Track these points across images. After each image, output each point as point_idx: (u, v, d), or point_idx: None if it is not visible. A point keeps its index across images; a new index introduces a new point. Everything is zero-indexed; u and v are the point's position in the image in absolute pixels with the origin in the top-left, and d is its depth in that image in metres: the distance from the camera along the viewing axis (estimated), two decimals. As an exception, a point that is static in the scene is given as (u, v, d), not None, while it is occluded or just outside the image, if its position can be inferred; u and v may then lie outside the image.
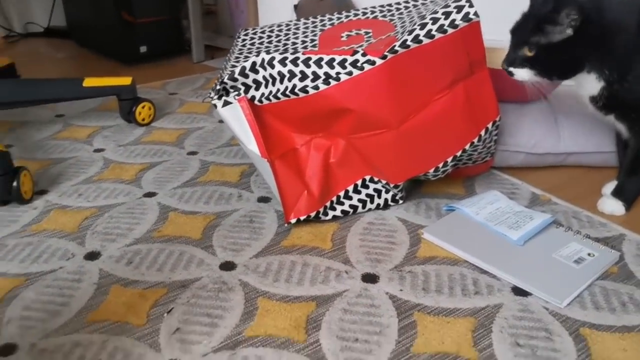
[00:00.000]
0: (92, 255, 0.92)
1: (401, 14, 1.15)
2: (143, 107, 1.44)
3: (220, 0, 2.22)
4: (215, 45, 2.18)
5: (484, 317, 0.78)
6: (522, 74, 0.93)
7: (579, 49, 0.89)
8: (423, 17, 0.92)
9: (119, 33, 1.96)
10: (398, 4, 1.22)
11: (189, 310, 0.80)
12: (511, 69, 0.94)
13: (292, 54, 0.92)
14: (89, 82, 1.38)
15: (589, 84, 0.94)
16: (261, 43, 1.13)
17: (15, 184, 1.05)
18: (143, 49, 1.97)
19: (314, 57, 0.90)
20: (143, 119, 1.45)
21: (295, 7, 1.74)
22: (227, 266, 0.89)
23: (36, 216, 1.04)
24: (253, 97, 0.95)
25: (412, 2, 1.20)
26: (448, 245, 0.93)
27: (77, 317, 0.79)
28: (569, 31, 0.87)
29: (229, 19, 2.19)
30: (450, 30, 0.89)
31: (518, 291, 0.83)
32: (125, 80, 1.43)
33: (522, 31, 0.92)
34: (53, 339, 0.75)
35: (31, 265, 0.90)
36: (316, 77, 0.90)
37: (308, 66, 0.90)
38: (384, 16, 1.17)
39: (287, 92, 0.91)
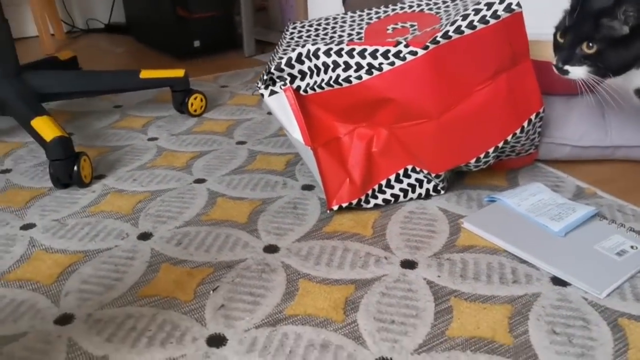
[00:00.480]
0: (145, 236, 0.98)
1: (447, 6, 1.16)
2: (195, 99, 1.49)
3: (271, -4, 2.27)
4: (266, 40, 2.23)
5: (521, 305, 0.79)
6: (579, 72, 0.91)
7: (637, 45, 0.88)
8: (466, 9, 0.93)
9: (174, 28, 2.04)
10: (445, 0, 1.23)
11: (233, 289, 0.84)
12: (567, 67, 0.92)
13: (336, 45, 0.94)
14: (145, 74, 1.45)
15: (637, 77, 0.93)
16: (308, 36, 1.16)
17: (75, 168, 1.12)
18: (196, 43, 2.04)
19: (358, 48, 0.93)
20: (195, 110, 1.50)
21: (344, 1, 1.77)
22: (271, 249, 0.93)
23: (94, 199, 1.10)
24: (298, 87, 0.98)
25: (460, -5, 1.21)
26: (488, 234, 0.93)
27: (130, 291, 0.84)
28: (626, 28, 0.87)
29: (279, 15, 2.24)
30: (492, 21, 0.89)
31: (557, 281, 0.83)
32: (179, 72, 1.49)
33: (579, 27, 0.90)
34: (108, 311, 0.80)
35: (89, 243, 0.96)
36: (359, 67, 0.92)
37: (352, 57, 0.93)
38: (430, 9, 1.18)
39: (331, 82, 0.94)
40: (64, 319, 0.79)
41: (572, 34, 0.91)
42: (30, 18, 2.27)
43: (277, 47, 1.15)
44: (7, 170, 1.24)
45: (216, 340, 0.74)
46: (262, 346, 0.73)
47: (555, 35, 0.94)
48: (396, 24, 1.14)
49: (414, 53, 0.89)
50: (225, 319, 0.78)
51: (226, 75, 1.87)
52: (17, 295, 0.84)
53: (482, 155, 0.98)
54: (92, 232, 0.99)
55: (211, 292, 0.83)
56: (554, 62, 0.93)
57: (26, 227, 1.02)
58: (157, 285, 0.85)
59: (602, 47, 0.88)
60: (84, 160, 1.14)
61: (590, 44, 0.89)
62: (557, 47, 0.94)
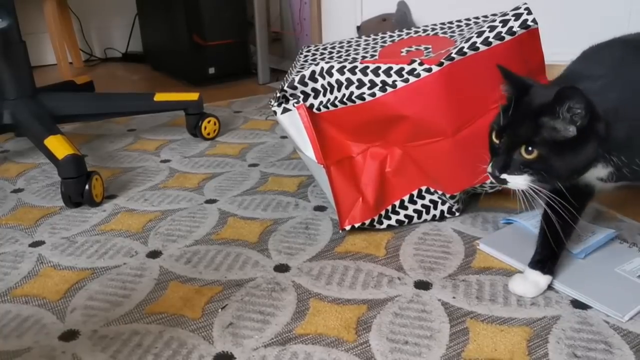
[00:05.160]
0: (154, 254, 0.96)
1: (462, 30, 1.16)
2: (209, 122, 1.50)
3: (286, 25, 2.30)
4: (280, 68, 2.24)
5: (540, 328, 0.76)
6: (519, 182, 0.73)
7: (588, 147, 0.71)
8: (481, 27, 0.92)
9: (190, 55, 2.06)
10: (459, 21, 1.23)
11: (242, 307, 0.82)
12: (504, 175, 0.73)
13: (350, 63, 0.94)
14: (159, 97, 1.46)
15: (597, 172, 0.77)
16: (322, 57, 1.16)
17: (87, 187, 1.11)
18: (211, 70, 2.06)
19: (372, 66, 0.92)
20: (208, 133, 1.50)
21: (358, 28, 1.78)
22: (281, 268, 0.91)
23: (105, 217, 1.10)
24: (311, 105, 0.98)
25: (474, 19, 1.21)
26: (504, 256, 0.91)
27: (137, 308, 0.82)
28: (572, 130, 0.70)
29: (294, 44, 2.26)
30: (507, 37, 0.89)
31: (577, 304, 0.80)
32: (193, 96, 1.50)
33: (516, 128, 0.72)
34: (114, 327, 0.78)
35: (97, 261, 0.95)
36: (373, 84, 0.92)
37: (365, 74, 0.92)
38: (445, 33, 1.18)
39: (344, 100, 0.94)
40: (69, 335, 0.77)
41: (508, 135, 0.73)
42: (49, 46, 2.31)
43: (290, 69, 1.15)
44: (19, 190, 1.24)
45: (224, 359, 0.72)
46: (270, 365, 0.71)
47: (490, 134, 0.76)
48: (410, 47, 1.13)
49: (428, 70, 0.88)
50: (234, 337, 0.76)
51: (240, 101, 1.88)
52: (23, 311, 0.82)
53: (497, 176, 0.96)
54: (101, 249, 0.98)
55: (220, 310, 0.81)
56: (489, 170, 0.75)
57: (35, 244, 1.01)
58: (165, 302, 0.83)
59: (544, 152, 0.70)
60: (95, 180, 1.13)
61: (530, 148, 0.70)
62: (492, 150, 0.76)
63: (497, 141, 0.75)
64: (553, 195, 0.76)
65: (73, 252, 0.97)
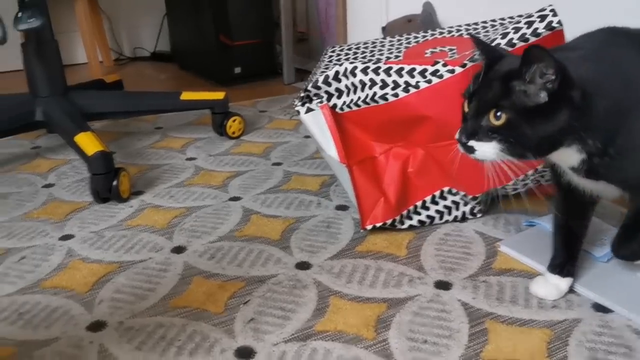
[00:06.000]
0: (179, 249, 0.98)
1: (487, 31, 1.16)
2: (234, 121, 1.52)
3: (312, 26, 2.31)
4: (305, 68, 2.26)
5: (561, 330, 0.76)
6: (487, 150, 0.68)
7: (560, 116, 0.66)
8: (506, 28, 0.92)
9: (216, 55, 2.09)
10: (485, 22, 1.23)
11: (264, 303, 0.83)
12: (472, 142, 0.69)
13: (373, 63, 0.95)
14: (186, 95, 1.49)
15: (569, 156, 0.71)
16: (347, 57, 1.17)
17: (115, 182, 1.14)
18: (237, 70, 2.08)
19: (395, 67, 0.93)
20: (233, 132, 1.52)
21: (383, 29, 1.79)
22: (303, 266, 0.92)
23: (131, 213, 1.12)
24: (335, 105, 0.99)
25: (499, 21, 1.20)
26: (526, 258, 0.91)
27: (162, 302, 0.84)
28: (543, 95, 0.65)
29: (319, 44, 2.27)
30: (532, 39, 0.88)
31: (599, 307, 0.80)
32: (219, 95, 1.52)
33: (484, 93, 0.69)
34: (139, 319, 0.80)
35: (124, 255, 0.97)
36: (396, 85, 0.92)
37: (389, 75, 0.93)
38: (469, 34, 1.18)
39: (368, 100, 0.94)
40: (96, 326, 0.79)
41: (476, 101, 0.70)
42: (81, 45, 2.36)
43: (314, 69, 1.16)
44: (50, 185, 1.27)
45: (245, 353, 0.73)
46: (290, 360, 0.72)
47: (462, 104, 0.73)
48: (435, 48, 1.14)
49: (451, 71, 0.89)
50: (255, 332, 0.77)
51: (265, 100, 1.90)
52: (52, 302, 0.85)
53: (520, 178, 0.96)
54: (128, 244, 1.00)
55: (242, 305, 0.83)
56: (457, 136, 0.71)
57: (65, 237, 1.04)
58: (189, 296, 0.85)
59: (514, 118, 0.66)
60: (123, 176, 1.16)
61: (499, 114, 0.66)
62: (463, 119, 0.72)
63: (467, 109, 0.71)
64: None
65: (101, 246, 1.00)
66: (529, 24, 0.90)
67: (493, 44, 0.89)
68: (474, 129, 0.69)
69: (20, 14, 1.24)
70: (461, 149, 0.71)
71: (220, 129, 1.52)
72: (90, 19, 2.32)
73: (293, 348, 0.74)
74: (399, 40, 1.25)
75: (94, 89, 1.63)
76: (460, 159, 0.95)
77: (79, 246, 1.00)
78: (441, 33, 1.23)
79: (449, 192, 1.01)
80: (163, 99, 1.53)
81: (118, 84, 1.74)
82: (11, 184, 1.28)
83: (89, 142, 1.17)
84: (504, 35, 0.90)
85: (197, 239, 1.01)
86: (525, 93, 0.66)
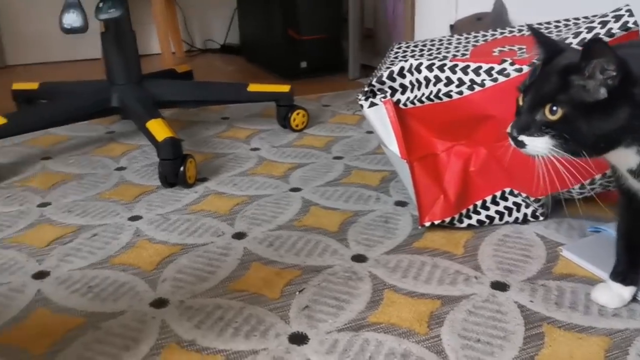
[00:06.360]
0: (239, 235, 1.01)
1: (559, 31, 1.13)
2: (298, 114, 1.54)
3: (379, 23, 2.31)
4: (371, 65, 2.26)
5: (621, 340, 0.74)
6: (538, 145, 0.66)
7: (620, 113, 0.63)
8: (579, 27, 0.90)
9: (283, 49, 2.12)
10: (557, 22, 1.20)
11: (319, 292, 0.85)
12: (522, 137, 0.67)
13: (439, 60, 0.95)
14: (253, 87, 1.52)
15: (627, 157, 0.69)
16: (412, 54, 1.17)
17: (182, 168, 1.18)
18: (303, 64, 2.11)
19: (461, 64, 0.92)
20: (297, 125, 1.55)
21: (452, 27, 1.77)
22: (359, 258, 0.93)
23: (196, 198, 1.16)
24: (398, 101, 0.99)
25: (573, 20, 1.17)
26: (589, 265, 0.88)
27: (221, 284, 0.87)
28: (603, 91, 0.63)
29: (387, 40, 2.27)
30: (605, 39, 0.86)
31: (664, 319, 0.77)
32: (284, 88, 1.55)
33: (541, 86, 0.67)
34: (199, 299, 0.84)
35: (187, 238, 1.01)
36: (461, 83, 0.92)
37: (454, 72, 0.92)
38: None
39: (432, 97, 0.94)
40: (159, 303, 0.83)
41: (532, 94, 0.68)
42: (155, 37, 2.45)
43: (380, 65, 1.17)
44: (122, 168, 1.34)
45: (298, 339, 0.75)
46: (342, 349, 0.73)
47: (517, 98, 0.71)
48: (503, 47, 1.12)
49: (519, 70, 0.87)
50: (309, 320, 0.79)
51: (329, 95, 1.92)
52: (120, 278, 0.90)
53: (587, 182, 0.94)
54: (192, 227, 1.04)
55: (297, 292, 0.85)
56: (508, 130, 0.70)
57: (133, 218, 1.09)
58: (247, 281, 0.88)
59: (570, 113, 0.64)
60: (189, 162, 1.21)
61: (554, 108, 0.64)
62: (517, 112, 0.71)
63: (521, 103, 0.69)
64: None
65: (166, 228, 1.04)
66: (603, 23, 0.87)
67: (565, 43, 0.87)
68: (527, 123, 0.67)
69: (101, 4, 1.31)
70: (512, 143, 0.70)
71: (284, 122, 1.55)
72: (166, 11, 2.40)
73: (345, 337, 0.75)
74: (466, 38, 1.23)
75: (165, 78, 1.69)
76: (524, 160, 0.94)
77: (146, 227, 1.05)
78: (511, 32, 1.21)
79: (511, 193, 1.00)
80: (230, 90, 1.57)
81: (188, 74, 1.80)
82: (87, 165, 1.36)
83: (159, 129, 1.22)
84: (577, 34, 0.87)
85: (257, 226, 1.04)
86: (584, 88, 0.64)
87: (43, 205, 1.15)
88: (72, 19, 1.27)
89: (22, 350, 0.74)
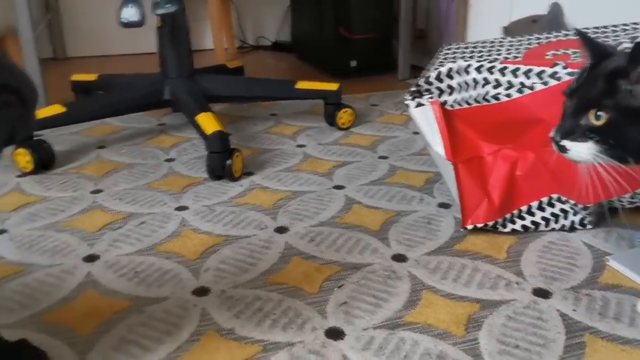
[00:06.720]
0: (281, 230, 1.03)
1: (617, 35, 1.10)
2: (345, 112, 1.55)
3: (431, 23, 2.29)
4: (421, 66, 2.23)
5: (667, 355, 0.71)
6: (582, 151, 0.66)
7: None
8: (637, 30, 0.87)
9: (334, 47, 2.13)
10: (615, 26, 1.16)
11: (357, 289, 0.85)
12: (565, 142, 0.67)
13: (488, 62, 0.93)
14: (301, 84, 1.54)
15: None
16: (462, 56, 1.16)
17: (228, 162, 1.21)
18: (353, 63, 2.11)
19: (511, 67, 0.91)
20: (343, 123, 1.56)
21: (505, 29, 1.74)
22: (399, 258, 0.93)
23: (241, 191, 1.19)
24: (445, 102, 0.98)
25: (632, 25, 1.13)
26: (636, 276, 0.86)
27: (261, 276, 0.89)
28: None
29: (438, 42, 2.25)
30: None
31: None
32: (332, 86, 1.56)
33: (586, 91, 0.66)
34: (239, 290, 0.85)
35: (231, 229, 1.03)
36: (510, 85, 0.90)
37: (503, 74, 0.91)
38: (598, 38, 1.13)
39: (479, 99, 0.93)
40: (201, 291, 0.85)
41: (577, 98, 0.67)
42: (209, 33, 2.51)
43: (428, 65, 1.16)
44: (171, 160, 1.37)
45: (334, 333, 0.76)
46: (378, 346, 0.74)
47: (564, 102, 0.71)
48: (557, 50, 1.10)
49: (571, 74, 0.85)
50: (346, 315, 0.79)
51: (378, 95, 1.92)
52: (164, 265, 0.92)
53: (638, 191, 0.91)
54: (236, 220, 1.07)
55: (336, 288, 0.86)
56: (551, 134, 0.69)
57: (180, 208, 1.12)
58: (287, 274, 0.89)
59: (615, 119, 0.63)
60: (236, 156, 1.23)
61: (599, 113, 0.63)
62: (562, 116, 0.71)
63: (566, 107, 0.68)
64: None
65: (211, 219, 1.07)
66: (663, 28, 0.84)
67: (619, 48, 0.85)
68: (571, 128, 0.67)
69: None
70: (555, 148, 0.69)
71: (331, 120, 1.56)
72: (221, 8, 2.45)
73: (381, 335, 0.76)
74: (519, 40, 1.21)
75: (217, 73, 1.73)
76: (572, 166, 0.92)
77: (191, 217, 1.08)
78: (566, 35, 1.19)
79: (558, 199, 0.98)
80: (279, 87, 1.59)
81: (239, 70, 1.83)
82: (138, 156, 1.40)
83: (208, 122, 1.25)
84: (633, 39, 0.85)
85: (299, 221, 1.05)
86: (630, 93, 0.62)
87: (96, 192, 1.20)
88: (129, 13, 1.32)
89: (70, 329, 0.78)
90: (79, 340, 0.76)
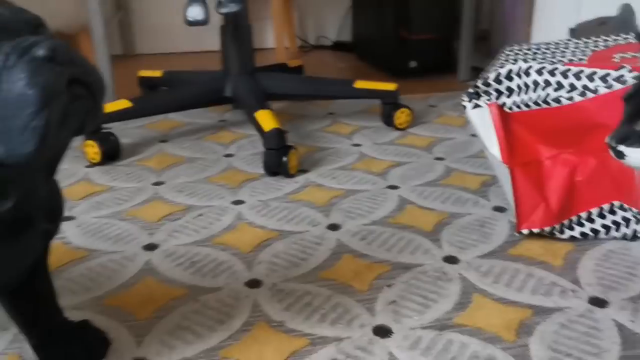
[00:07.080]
0: (334, 227, 1.04)
1: (690, 38, 1.05)
2: (402, 112, 1.54)
3: (495, 24, 2.25)
4: (483, 67, 2.21)
5: None
6: (639, 157, 0.65)
7: None
8: None
9: (394, 47, 2.13)
10: (689, 28, 1.11)
11: (407, 289, 0.85)
12: (622, 147, 0.65)
13: (550, 64, 0.92)
14: (359, 84, 1.55)
15: None
16: (524, 58, 1.13)
17: (284, 158, 1.23)
18: (412, 64, 2.10)
19: (574, 69, 0.89)
20: (400, 124, 1.55)
21: (572, 30, 1.68)
22: (451, 260, 0.93)
23: (296, 188, 1.21)
24: (503, 104, 0.97)
25: None
26: (702, 289, 0.82)
27: (312, 272, 0.90)
28: None
29: (501, 43, 2.21)
30: None
31: None
32: (391, 86, 1.56)
33: None
34: (290, 284, 0.87)
35: (285, 224, 1.05)
36: (573, 88, 0.88)
37: (566, 77, 0.89)
38: (638, 33, 1.08)
39: (539, 101, 0.92)
40: (253, 283, 0.88)
41: (633, 103, 0.66)
42: (270, 32, 2.55)
43: (488, 66, 1.14)
44: (230, 155, 1.41)
45: (382, 331, 0.77)
46: (425, 346, 0.74)
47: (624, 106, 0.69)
48: (625, 53, 1.06)
49: (638, 78, 0.83)
50: (394, 314, 0.80)
51: (436, 96, 1.90)
52: (220, 256, 0.95)
53: None
54: (289, 215, 1.09)
55: (385, 287, 0.86)
56: (607, 139, 0.68)
57: (237, 202, 1.15)
58: (337, 271, 0.90)
59: None
60: (292, 154, 1.25)
61: None
62: (620, 121, 0.69)
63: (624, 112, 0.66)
64: None
65: (266, 214, 1.09)
66: None
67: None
68: (626, 133, 0.65)
69: (222, -1, 1.39)
70: (612, 154, 0.67)
71: (388, 119, 1.56)
72: (283, 8, 2.48)
73: (429, 335, 0.76)
74: (585, 42, 1.18)
75: (277, 71, 1.76)
76: (634, 173, 0.89)
77: (247, 211, 1.11)
78: (637, 37, 1.14)
79: (620, 207, 0.95)
80: (337, 86, 1.61)
81: (299, 69, 1.86)
82: (199, 150, 1.45)
83: (267, 119, 1.28)
84: None
85: (351, 219, 1.06)
86: None
87: (157, 184, 1.25)
88: (195, 12, 1.36)
89: (128, 314, 0.82)
90: (137, 324, 0.79)
